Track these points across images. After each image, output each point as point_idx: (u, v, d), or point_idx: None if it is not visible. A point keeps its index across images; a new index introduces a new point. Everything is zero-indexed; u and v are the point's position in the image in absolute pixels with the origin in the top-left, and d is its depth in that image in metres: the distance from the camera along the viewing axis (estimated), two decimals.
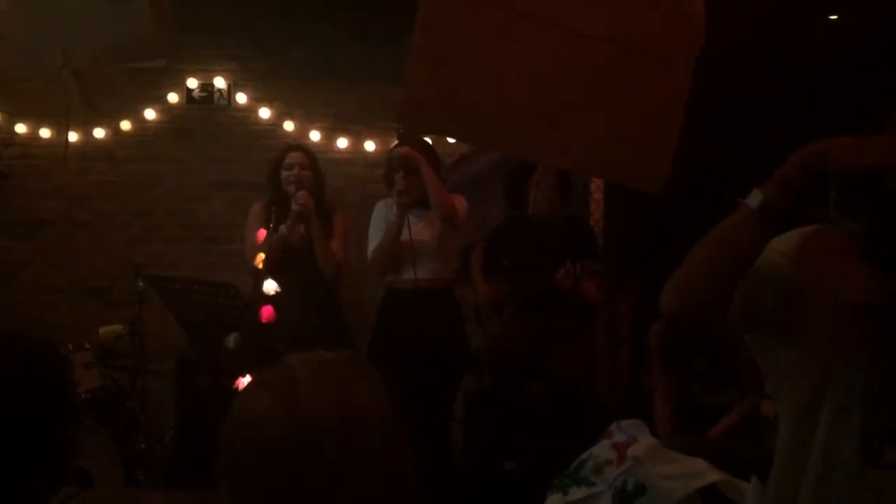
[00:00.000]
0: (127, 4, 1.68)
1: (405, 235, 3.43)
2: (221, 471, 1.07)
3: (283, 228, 3.45)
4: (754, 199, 1.04)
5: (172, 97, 5.06)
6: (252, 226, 3.62)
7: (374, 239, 3.57)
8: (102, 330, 4.26)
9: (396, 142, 4.97)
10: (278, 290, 3.38)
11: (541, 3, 1.07)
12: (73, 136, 5.06)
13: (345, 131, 5.07)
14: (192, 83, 5.05)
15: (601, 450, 2.30)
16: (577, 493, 2.28)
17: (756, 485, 1.75)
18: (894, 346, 1.04)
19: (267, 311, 3.32)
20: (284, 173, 3.56)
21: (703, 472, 2.11)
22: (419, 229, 3.49)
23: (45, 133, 5.07)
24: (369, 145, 5.08)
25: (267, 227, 3.46)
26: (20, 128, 5.07)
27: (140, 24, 1.68)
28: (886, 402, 1.03)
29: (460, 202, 3.55)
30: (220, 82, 5.06)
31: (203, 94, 5.08)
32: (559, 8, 1.06)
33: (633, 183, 1.01)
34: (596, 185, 4.76)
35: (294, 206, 3.43)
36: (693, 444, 2.67)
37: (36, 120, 5.06)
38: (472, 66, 1.04)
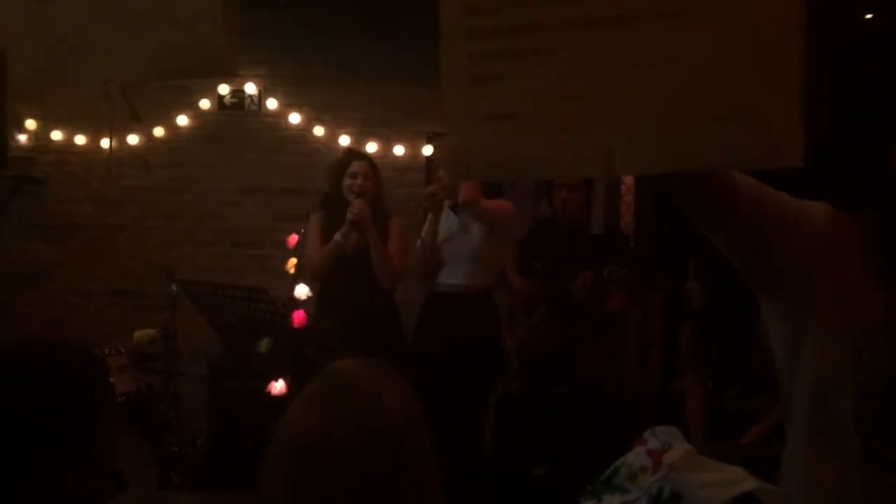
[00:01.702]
0: (200, 23, 1.68)
1: (439, 238, 3.46)
2: (270, 478, 1.08)
3: (337, 235, 3.42)
4: None
5: (204, 103, 5.12)
6: (311, 235, 3.58)
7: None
8: (137, 334, 4.31)
9: (427, 145, 5.02)
10: (310, 294, 3.40)
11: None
12: (106, 143, 5.14)
13: (374, 135, 5.09)
14: (224, 89, 5.10)
15: (635, 457, 2.28)
16: (611, 500, 2.26)
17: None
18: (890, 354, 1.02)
19: (299, 316, 3.33)
20: (347, 181, 3.51)
21: (741, 480, 2.08)
22: (462, 235, 3.52)
23: (80, 140, 5.15)
24: (398, 149, 5.10)
25: (322, 237, 3.46)
26: (56, 135, 5.15)
27: (214, 44, 1.69)
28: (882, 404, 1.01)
29: (507, 206, 3.56)
30: (251, 88, 5.11)
31: (234, 101, 5.12)
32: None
33: (761, 162, 0.89)
34: (626, 187, 4.73)
35: (349, 216, 3.40)
36: (728, 451, 2.63)
37: (71, 127, 5.14)
38: (517, 96, 0.99)
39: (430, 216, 3.54)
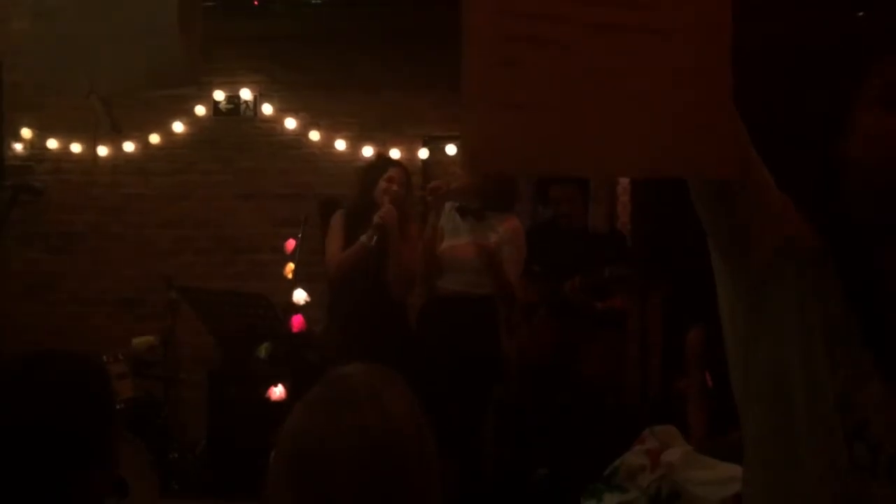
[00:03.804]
0: (157, 33, 1.69)
1: (445, 244, 3.44)
2: (273, 484, 1.09)
3: (362, 238, 3.38)
4: None
5: (200, 110, 5.12)
6: (333, 234, 3.54)
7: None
8: (136, 341, 4.32)
9: (423, 148, 5.02)
10: (308, 299, 3.40)
11: (579, 7, 1.04)
12: (103, 151, 5.15)
13: (370, 140, 5.10)
14: (219, 95, 5.11)
15: (634, 456, 2.29)
16: (610, 499, 2.27)
17: None
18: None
19: (297, 321, 3.34)
20: (383, 184, 3.47)
21: (739, 478, 2.09)
22: (465, 243, 3.51)
23: (76, 148, 5.16)
24: (395, 153, 5.10)
25: (345, 237, 3.44)
26: (52, 143, 5.16)
27: (170, 54, 1.70)
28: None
29: (514, 225, 3.56)
30: (246, 94, 5.12)
31: (230, 106, 5.13)
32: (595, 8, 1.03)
33: (708, 173, 0.98)
34: (623, 187, 4.74)
35: (376, 219, 3.36)
36: (728, 448, 2.64)
37: (67, 135, 5.15)
38: (529, 86, 1.01)
39: (432, 212, 3.53)
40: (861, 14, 4.37)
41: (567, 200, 3.65)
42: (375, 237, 3.33)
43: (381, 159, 3.77)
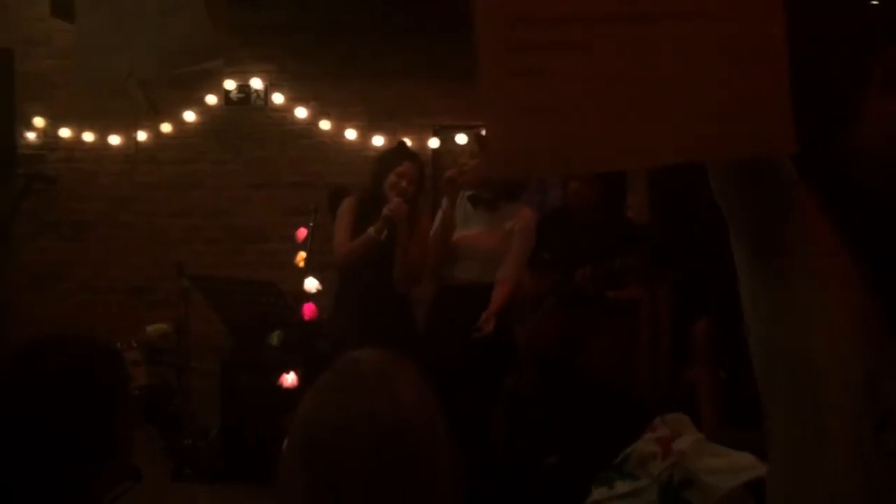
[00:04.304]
0: (184, 10, 1.70)
1: (458, 233, 3.44)
2: (286, 470, 1.09)
3: (371, 230, 3.37)
4: None
5: (211, 99, 5.13)
6: (342, 219, 3.53)
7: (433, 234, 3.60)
8: (149, 328, 4.35)
9: (433, 138, 5.02)
10: (319, 288, 3.41)
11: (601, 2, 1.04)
12: (115, 140, 5.17)
13: (380, 129, 5.10)
14: (230, 85, 5.12)
15: (645, 444, 2.30)
16: (622, 486, 2.27)
17: None
18: None
19: (309, 309, 3.35)
20: (393, 178, 3.45)
21: (751, 466, 2.09)
22: (480, 232, 3.51)
23: (87, 137, 5.18)
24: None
25: (353, 224, 3.43)
26: (64, 132, 5.18)
27: (199, 27, 1.71)
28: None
29: (526, 213, 3.58)
30: (256, 83, 5.12)
31: (240, 96, 5.14)
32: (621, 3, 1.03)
33: (760, 151, 0.98)
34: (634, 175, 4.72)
35: (385, 211, 3.35)
36: (738, 438, 2.64)
37: (78, 124, 5.18)
38: (555, 89, 1.01)
39: (445, 202, 3.52)
40: (874, 3, 4.34)
41: (586, 183, 3.63)
42: (385, 230, 3.33)
43: (396, 150, 3.72)
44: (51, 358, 1.27)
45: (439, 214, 3.56)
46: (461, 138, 4.95)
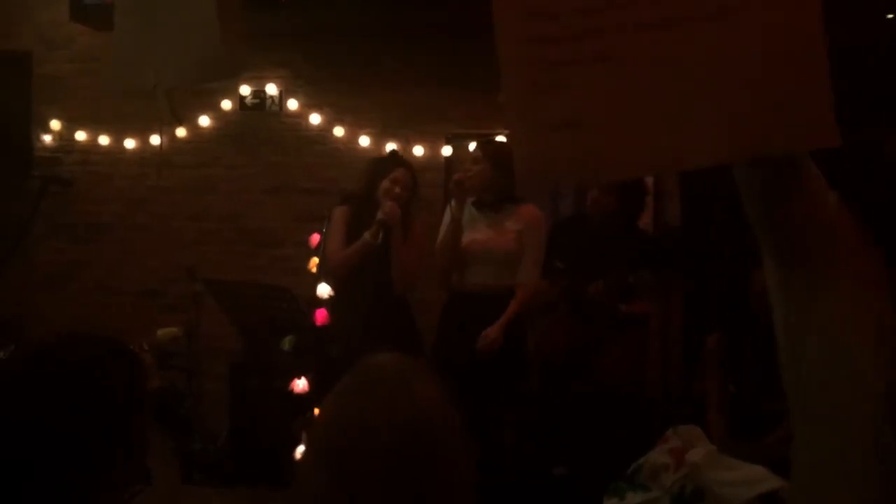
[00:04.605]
0: (199, 28, 1.73)
1: (466, 238, 3.45)
2: (306, 474, 1.10)
3: (366, 235, 3.42)
4: None
5: (226, 104, 5.16)
6: (335, 228, 3.58)
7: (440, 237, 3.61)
8: (160, 332, 4.37)
9: (446, 146, 5.03)
10: (332, 293, 3.42)
11: (625, 8, 1.04)
12: (130, 143, 5.21)
13: (393, 136, 5.11)
14: (245, 90, 5.15)
15: (657, 455, 2.29)
16: (633, 497, 2.27)
17: None
18: None
19: (321, 315, 3.36)
20: (387, 184, 3.49)
21: (763, 479, 2.09)
22: (489, 235, 3.51)
23: (103, 140, 5.22)
24: (418, 150, 5.12)
25: (347, 232, 3.45)
26: (80, 135, 5.22)
27: (213, 45, 1.73)
28: None
29: (535, 212, 3.57)
30: (271, 89, 5.15)
31: (255, 101, 5.17)
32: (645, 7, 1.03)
33: (802, 145, 0.97)
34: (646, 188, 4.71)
35: (379, 216, 3.40)
36: (749, 450, 2.63)
37: (94, 127, 5.22)
38: (581, 103, 1.02)
39: (452, 204, 3.51)
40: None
41: (606, 192, 3.63)
42: (381, 234, 3.37)
43: (389, 157, 3.78)
44: (68, 357, 1.27)
45: (446, 217, 3.56)
46: (473, 146, 4.95)
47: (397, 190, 3.48)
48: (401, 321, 3.54)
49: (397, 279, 3.48)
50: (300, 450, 3.37)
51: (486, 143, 3.77)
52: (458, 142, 5.03)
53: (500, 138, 3.98)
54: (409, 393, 1.09)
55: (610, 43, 0.99)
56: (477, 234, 3.53)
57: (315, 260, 3.46)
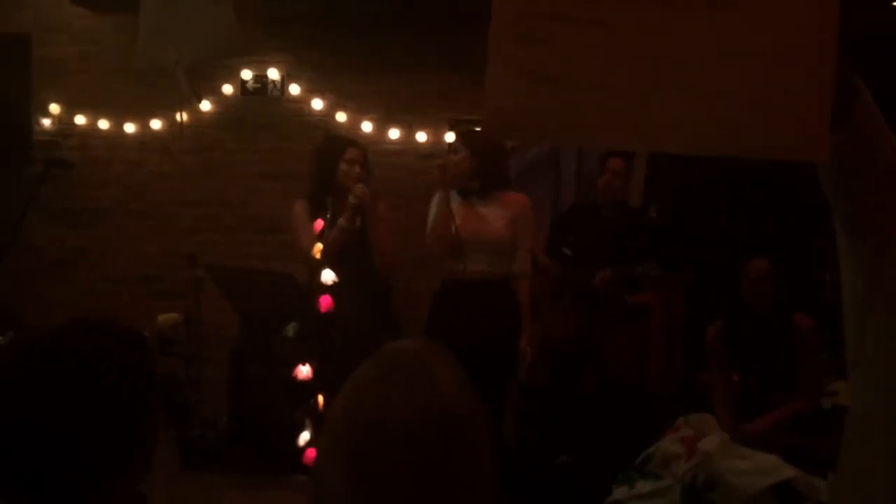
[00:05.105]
0: (214, 6, 1.72)
1: (456, 223, 3.42)
2: (325, 460, 1.07)
3: (342, 221, 3.42)
4: None
5: (227, 88, 5.12)
6: (302, 221, 3.57)
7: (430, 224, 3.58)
8: (161, 318, 4.34)
9: (450, 132, 5.00)
10: (336, 280, 3.39)
11: None
12: (130, 128, 5.16)
13: (396, 122, 5.08)
14: (247, 74, 5.10)
15: (668, 444, 2.28)
16: (644, 486, 2.26)
17: (833, 481, 1.70)
18: None
19: (325, 301, 3.34)
20: (345, 167, 3.51)
21: (777, 469, 2.07)
22: (478, 223, 3.48)
23: (103, 124, 5.17)
24: (420, 136, 5.09)
25: (324, 219, 3.45)
26: (79, 119, 5.17)
27: (226, 23, 1.72)
28: None
29: (523, 200, 3.55)
30: (273, 74, 5.11)
31: (257, 86, 5.12)
32: None
33: (787, 155, 0.95)
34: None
35: (351, 200, 3.40)
36: (761, 440, 2.62)
37: (94, 111, 5.16)
38: (564, 60, 1.00)
39: (440, 192, 3.48)
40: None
41: (620, 176, 3.62)
42: (358, 218, 3.38)
43: (335, 140, 3.78)
44: (82, 342, 1.25)
45: (433, 206, 3.52)
46: (453, 137, 4.95)
47: (357, 169, 3.49)
48: (383, 307, 3.57)
49: (380, 259, 3.50)
50: (304, 436, 3.36)
51: (466, 132, 3.77)
52: (462, 127, 4.98)
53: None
54: (429, 378, 1.07)
55: (609, 8, 0.98)
56: (465, 222, 3.50)
57: (319, 246, 3.43)
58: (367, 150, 3.72)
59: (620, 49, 0.96)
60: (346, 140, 3.77)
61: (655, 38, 0.95)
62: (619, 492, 2.27)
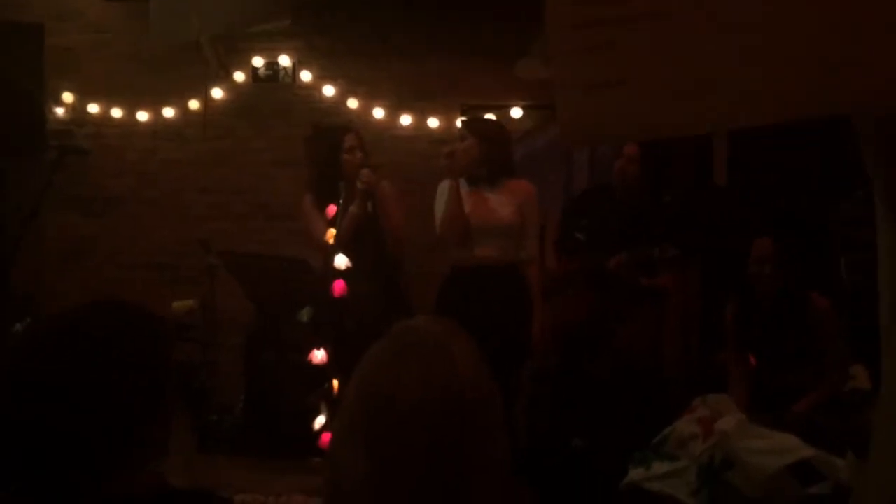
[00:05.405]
0: None
1: (466, 209, 3.41)
2: (342, 438, 1.07)
3: (353, 208, 3.43)
4: None
5: (239, 76, 5.12)
6: (312, 215, 3.57)
7: (439, 212, 3.56)
8: (176, 304, 4.36)
9: (461, 117, 4.99)
10: (349, 265, 3.40)
11: None
12: (143, 116, 5.17)
13: (408, 108, 5.07)
14: (258, 62, 5.10)
15: (685, 424, 2.27)
16: (660, 467, 2.25)
17: (853, 460, 1.70)
18: None
19: (339, 286, 3.35)
20: (347, 157, 3.50)
21: (795, 448, 2.06)
22: (488, 208, 3.47)
23: (116, 113, 5.18)
24: (432, 122, 5.08)
25: (337, 205, 3.45)
26: (92, 108, 5.19)
27: None
28: None
29: (528, 187, 3.53)
30: (285, 60, 5.10)
31: (268, 73, 5.12)
32: None
33: (884, 107, 0.94)
34: None
35: (359, 185, 3.41)
36: (773, 421, 2.61)
37: (107, 100, 5.18)
38: (628, 61, 0.99)
39: (448, 182, 3.47)
40: None
41: (634, 161, 3.60)
42: (369, 202, 3.41)
43: (329, 130, 3.78)
44: (103, 322, 1.26)
45: (440, 193, 3.51)
46: (489, 118, 4.90)
47: (359, 155, 3.50)
48: (394, 291, 3.58)
49: (393, 241, 3.52)
50: (319, 420, 3.37)
51: (471, 119, 3.77)
52: (474, 113, 4.98)
53: (489, 116, 3.93)
54: (446, 356, 1.07)
55: (663, 2, 0.97)
56: (475, 208, 3.49)
57: (332, 231, 3.43)
58: (359, 129, 3.72)
59: (681, 35, 0.95)
60: (340, 128, 3.76)
61: (715, 17, 0.95)
62: (636, 473, 2.26)
